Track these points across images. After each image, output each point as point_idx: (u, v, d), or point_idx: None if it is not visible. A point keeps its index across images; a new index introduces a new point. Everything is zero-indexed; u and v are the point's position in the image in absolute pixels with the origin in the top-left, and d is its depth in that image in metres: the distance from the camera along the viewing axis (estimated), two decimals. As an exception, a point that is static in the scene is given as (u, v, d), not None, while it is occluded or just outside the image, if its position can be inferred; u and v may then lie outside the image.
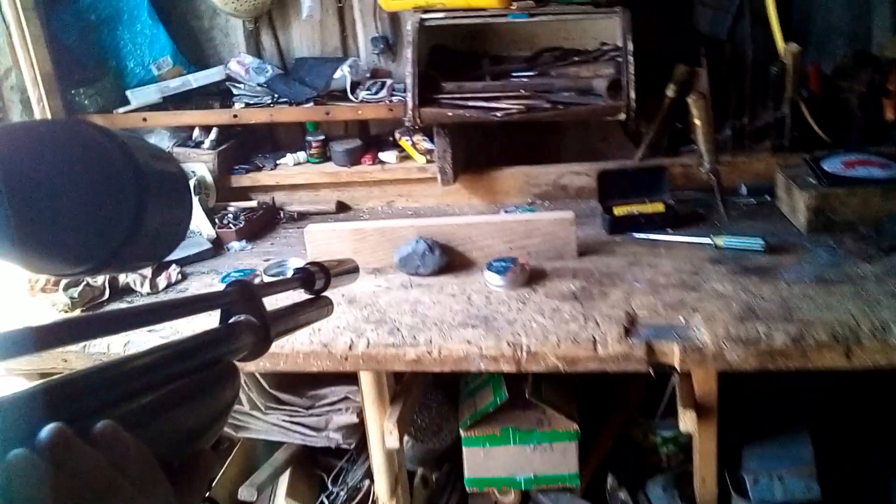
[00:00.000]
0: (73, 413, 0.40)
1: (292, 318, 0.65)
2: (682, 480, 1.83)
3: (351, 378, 1.89)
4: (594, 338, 1.45)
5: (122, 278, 1.78)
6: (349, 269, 0.75)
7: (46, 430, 0.37)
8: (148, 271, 1.83)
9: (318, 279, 0.69)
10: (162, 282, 1.80)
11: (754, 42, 1.99)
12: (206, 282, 1.84)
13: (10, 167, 0.44)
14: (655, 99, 2.03)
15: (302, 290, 0.69)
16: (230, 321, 0.58)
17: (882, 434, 1.82)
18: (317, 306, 0.70)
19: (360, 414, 1.89)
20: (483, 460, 1.79)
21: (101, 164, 0.47)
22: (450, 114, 1.97)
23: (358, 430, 1.94)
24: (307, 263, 0.71)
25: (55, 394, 0.40)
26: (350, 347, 1.51)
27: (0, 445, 0.36)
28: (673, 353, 1.43)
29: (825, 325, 1.40)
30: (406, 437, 1.84)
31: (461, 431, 1.79)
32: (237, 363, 0.56)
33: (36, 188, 0.44)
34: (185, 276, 1.86)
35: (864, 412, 1.84)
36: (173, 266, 1.86)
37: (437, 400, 1.97)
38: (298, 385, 1.96)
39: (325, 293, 0.71)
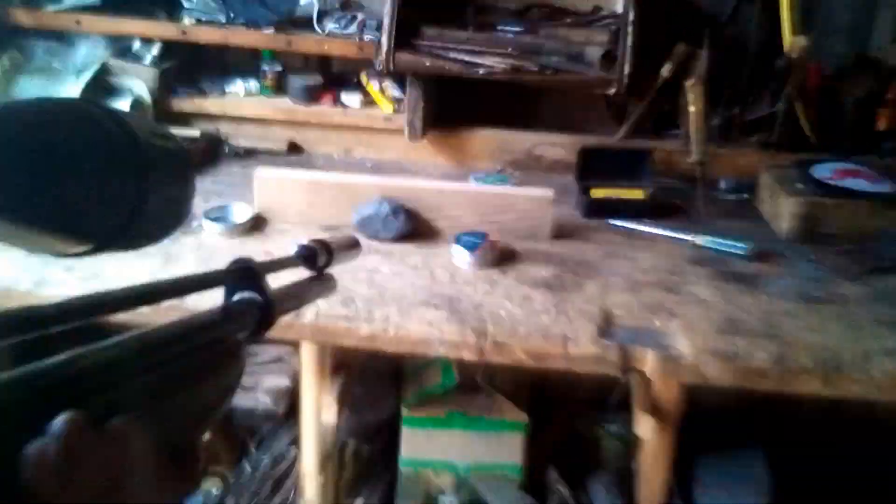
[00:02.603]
0: (77, 393, 0.39)
1: (296, 296, 0.66)
2: (625, 481, 1.76)
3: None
4: (566, 335, 1.33)
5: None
6: (351, 245, 0.75)
7: (61, 419, 0.37)
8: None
9: (321, 256, 0.69)
10: (74, 258, 1.59)
11: (759, 28, 1.87)
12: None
13: (12, 146, 0.43)
14: (647, 77, 1.89)
15: (304, 268, 0.69)
16: (233, 299, 0.58)
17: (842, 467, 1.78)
18: (320, 283, 0.70)
19: (294, 379, 1.75)
20: (423, 442, 1.68)
21: (104, 144, 0.47)
22: (428, 63, 1.79)
23: (288, 395, 1.79)
24: (311, 240, 0.69)
25: (57, 374, 0.39)
26: (296, 315, 1.35)
27: (4, 426, 0.35)
28: (647, 361, 1.33)
29: (807, 348, 1.32)
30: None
31: (403, 410, 1.67)
32: (241, 341, 0.56)
33: (38, 168, 0.44)
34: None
35: (823, 438, 1.80)
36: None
37: (376, 371, 1.84)
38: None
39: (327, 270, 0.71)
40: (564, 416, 1.88)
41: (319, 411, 1.54)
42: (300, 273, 0.69)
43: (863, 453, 1.76)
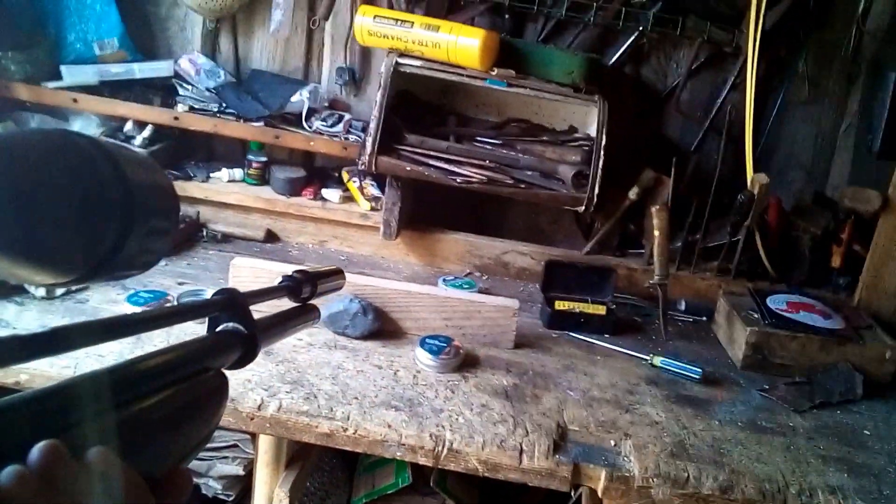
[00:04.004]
0: (60, 423, 0.39)
1: (279, 327, 0.66)
2: None
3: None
4: (521, 447, 1.36)
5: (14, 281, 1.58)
6: (335, 278, 0.75)
7: (40, 447, 0.37)
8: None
9: (305, 288, 0.70)
10: (59, 287, 1.61)
11: (722, 161, 1.98)
12: (109, 295, 1.66)
13: None
14: (615, 197, 1.98)
15: (288, 299, 0.70)
16: (217, 329, 0.58)
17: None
18: (303, 314, 0.71)
19: (248, 466, 1.74)
20: (371, 543, 1.67)
21: (88, 173, 0.46)
22: (408, 168, 1.86)
23: (241, 483, 1.78)
24: (294, 272, 0.71)
25: (41, 404, 0.39)
26: (259, 408, 1.37)
27: None
28: (598, 479, 1.36)
29: (754, 479, 1.36)
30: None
31: (354, 509, 1.67)
32: (225, 372, 0.57)
33: (23, 198, 0.43)
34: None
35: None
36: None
37: (330, 464, 1.84)
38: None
39: (311, 301, 0.72)
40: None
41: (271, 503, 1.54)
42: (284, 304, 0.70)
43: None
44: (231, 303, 0.59)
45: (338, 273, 0.77)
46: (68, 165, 0.46)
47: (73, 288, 1.63)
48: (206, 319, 0.60)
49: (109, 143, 0.49)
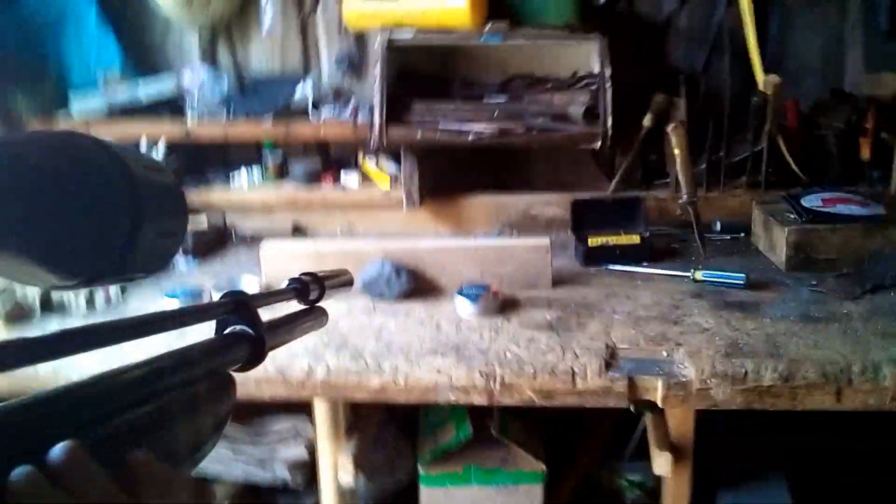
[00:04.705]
0: (69, 426, 0.39)
1: (287, 329, 0.66)
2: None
3: (301, 410, 1.75)
4: (573, 370, 1.35)
5: (56, 295, 1.62)
6: (344, 280, 0.75)
7: (59, 449, 0.37)
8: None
9: (312, 289, 0.70)
10: (99, 299, 1.65)
11: (731, 76, 1.95)
12: (147, 299, 1.69)
13: (3, 178, 0.42)
14: (630, 130, 1.97)
15: (297, 301, 0.70)
16: (225, 332, 0.58)
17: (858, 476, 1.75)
18: (312, 317, 0.70)
19: (311, 449, 1.74)
20: (441, 500, 1.66)
21: (97, 176, 0.46)
22: (419, 134, 1.88)
23: (307, 468, 1.78)
24: (303, 274, 0.70)
25: (49, 406, 0.39)
26: (308, 374, 1.38)
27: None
28: (655, 389, 1.34)
29: (815, 364, 1.33)
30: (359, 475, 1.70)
31: (420, 468, 1.66)
32: (233, 374, 0.57)
33: (30, 200, 0.43)
34: (124, 293, 1.70)
35: (841, 455, 1.77)
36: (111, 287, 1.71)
37: (391, 434, 1.84)
38: (242, 414, 1.80)
39: (319, 303, 0.71)
40: (582, 464, 1.86)
41: (337, 473, 1.54)
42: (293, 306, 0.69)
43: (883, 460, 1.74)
44: (239, 305, 0.59)
45: (345, 273, 0.77)
46: (74, 164, 0.45)
47: (113, 297, 1.66)
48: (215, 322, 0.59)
49: (115, 144, 0.49)
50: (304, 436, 1.76)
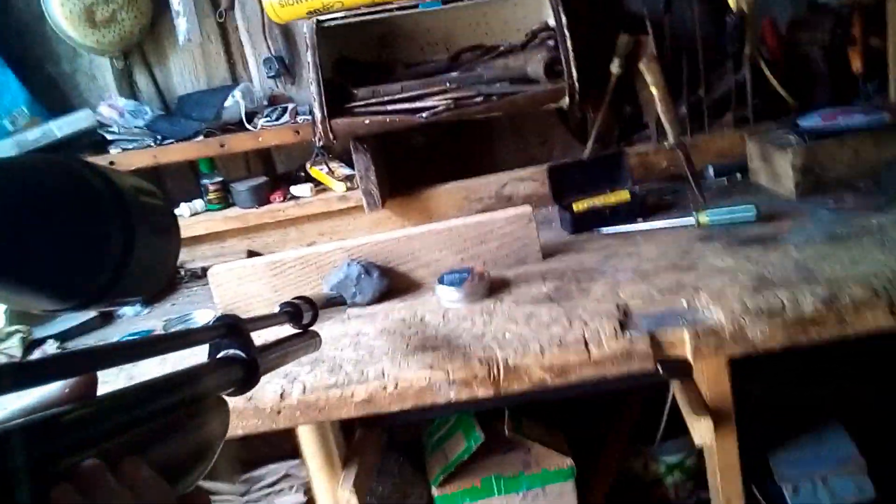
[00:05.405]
0: (61, 447, 0.38)
1: (280, 353, 0.66)
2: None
3: (290, 452, 1.53)
4: (585, 337, 1.15)
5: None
6: (337, 303, 0.79)
7: (85, 465, 0.38)
8: (18, 350, 1.46)
9: (305, 313, 0.71)
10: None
11: (700, 8, 1.78)
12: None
13: None
14: (598, 83, 1.79)
15: (290, 325, 0.71)
16: (218, 356, 0.58)
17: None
18: (304, 340, 0.71)
19: (308, 490, 1.52)
20: (464, 522, 1.44)
21: (89, 200, 0.46)
22: (367, 121, 1.68)
23: (306, 513, 1.57)
24: (294, 298, 0.72)
25: (41, 429, 0.38)
26: (282, 397, 1.17)
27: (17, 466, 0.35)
28: (683, 342, 1.14)
29: (858, 280, 1.14)
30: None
31: (433, 490, 1.44)
32: (226, 398, 0.56)
33: (22, 224, 0.42)
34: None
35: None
36: (49, 341, 1.50)
37: (397, 462, 1.62)
38: (227, 468, 1.58)
39: (312, 327, 0.73)
40: (613, 452, 1.65)
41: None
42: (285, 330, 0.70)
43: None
44: (232, 329, 0.59)
45: (339, 299, 0.81)
46: (65, 187, 0.45)
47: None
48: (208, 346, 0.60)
49: (105, 167, 0.48)
50: (300, 480, 1.55)
